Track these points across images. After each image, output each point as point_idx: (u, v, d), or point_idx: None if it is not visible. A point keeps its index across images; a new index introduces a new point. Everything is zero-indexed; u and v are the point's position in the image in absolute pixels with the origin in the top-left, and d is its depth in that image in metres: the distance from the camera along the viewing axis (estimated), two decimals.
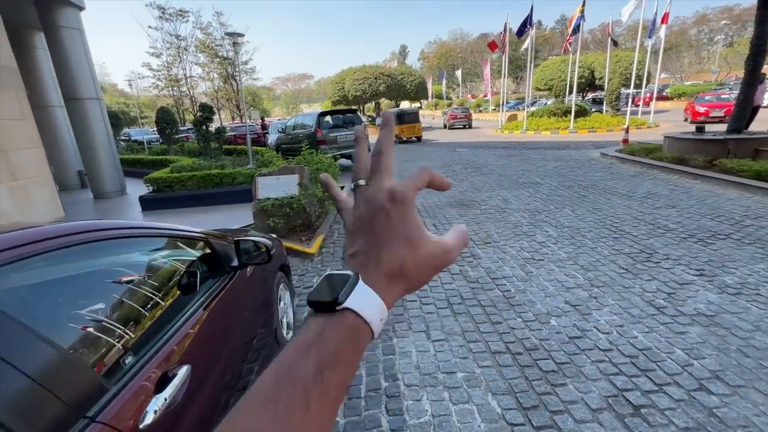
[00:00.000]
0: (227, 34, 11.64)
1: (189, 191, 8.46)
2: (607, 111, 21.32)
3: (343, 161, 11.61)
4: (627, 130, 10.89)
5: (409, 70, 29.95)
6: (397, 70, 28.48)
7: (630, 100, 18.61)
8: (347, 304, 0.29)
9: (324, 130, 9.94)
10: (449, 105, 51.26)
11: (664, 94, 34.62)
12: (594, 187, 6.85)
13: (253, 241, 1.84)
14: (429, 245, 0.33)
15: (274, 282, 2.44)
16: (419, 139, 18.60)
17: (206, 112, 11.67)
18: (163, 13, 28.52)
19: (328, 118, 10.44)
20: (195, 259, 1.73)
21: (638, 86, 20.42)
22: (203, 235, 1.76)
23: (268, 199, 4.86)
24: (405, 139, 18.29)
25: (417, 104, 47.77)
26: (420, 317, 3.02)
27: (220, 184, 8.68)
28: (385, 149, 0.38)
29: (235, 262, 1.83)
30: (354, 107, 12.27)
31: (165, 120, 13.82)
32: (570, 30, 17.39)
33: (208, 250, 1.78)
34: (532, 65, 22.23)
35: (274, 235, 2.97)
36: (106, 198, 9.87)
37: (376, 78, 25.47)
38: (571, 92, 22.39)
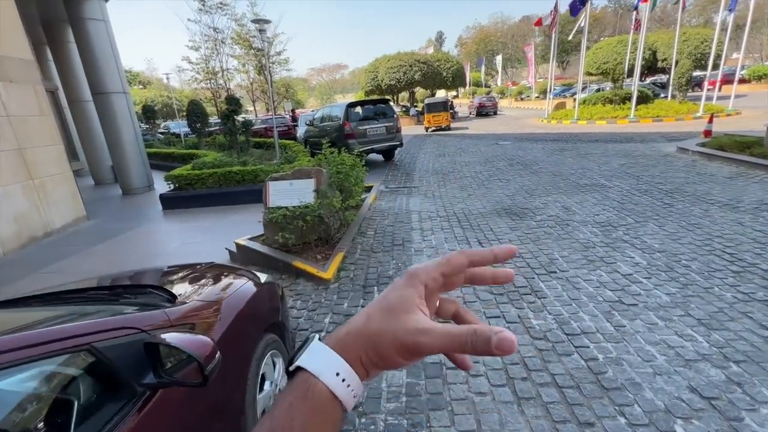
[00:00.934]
0: (253, 21, 11.01)
1: (210, 189, 7.99)
2: (674, 96, 18.75)
3: (374, 156, 10.76)
4: (711, 120, 9.09)
5: (446, 56, 28.28)
6: (433, 57, 26.95)
7: (703, 84, 16.11)
8: (298, 362, 0.30)
9: (353, 123, 9.10)
10: (488, 92, 48.65)
11: (741, 76, 30.43)
12: (680, 193, 5.49)
13: (179, 349, 1.00)
14: (406, 320, 0.31)
15: (251, 359, 1.63)
16: (448, 128, 18.66)
17: (232, 104, 11.22)
18: (203, 5, 28.77)
19: (357, 109, 9.58)
20: (72, 378, 0.94)
21: (706, 67, 17.64)
22: (85, 344, 0.96)
23: (280, 208, 4.10)
24: (434, 128, 18.58)
25: (453, 93, 45.77)
26: (467, 402, 2.10)
27: (241, 182, 8.13)
28: (466, 251, 0.35)
29: (151, 378, 1.02)
30: (386, 97, 11.30)
31: (195, 113, 13.62)
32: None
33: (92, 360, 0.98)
34: (585, 47, 19.97)
35: (263, 277, 2.15)
36: (134, 194, 9.70)
37: (411, 66, 24.19)
38: (629, 76, 19.96)
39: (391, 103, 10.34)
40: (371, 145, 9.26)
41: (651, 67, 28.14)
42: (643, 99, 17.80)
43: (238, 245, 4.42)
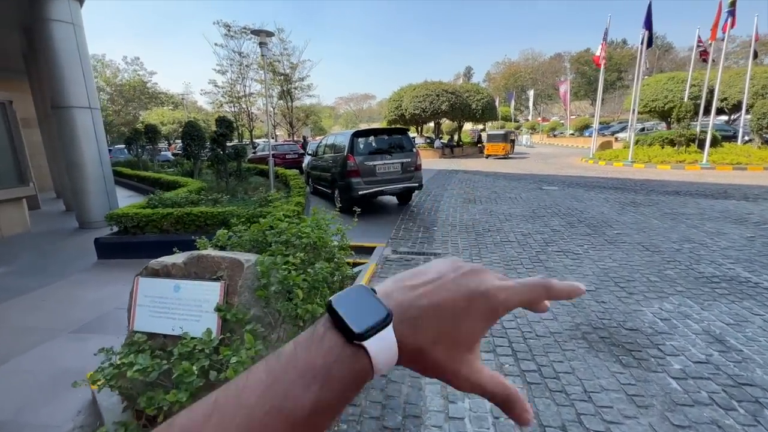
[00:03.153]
0: (253, 32, 9.46)
1: (163, 236, 6.02)
2: (749, 140, 15.93)
3: (386, 197, 8.59)
4: None
5: (477, 87, 26.59)
6: (462, 88, 25.29)
7: None
8: (367, 343, 0.28)
9: (358, 157, 7.03)
10: (518, 127, 46.62)
11: None
12: None
13: None
14: (464, 362, 0.31)
15: None
16: (506, 156, 20.90)
17: (222, 127, 9.49)
18: (229, 30, 28.79)
19: (366, 139, 7.53)
20: None
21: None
22: None
23: (145, 339, 1.90)
24: (494, 156, 21.03)
25: (480, 126, 44.05)
26: None
27: (204, 227, 6.13)
28: (550, 281, 0.34)
29: None
30: (404, 127, 9.33)
31: (191, 135, 12.07)
32: (720, 29, 12.87)
33: None
34: (638, 83, 17.71)
35: None
36: (92, 228, 7.84)
37: (438, 95, 22.51)
38: (694, 116, 17.39)
39: (410, 134, 8.27)
40: (380, 186, 7.12)
41: (707, 107, 25.52)
42: (711, 142, 15.14)
43: None
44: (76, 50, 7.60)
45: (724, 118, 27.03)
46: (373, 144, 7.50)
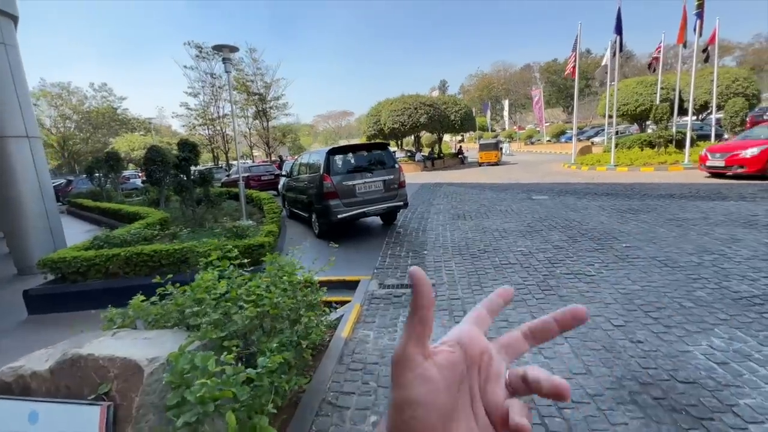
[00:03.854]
0: (214, 47, 8.78)
1: (110, 282, 5.14)
2: (722, 138, 16.16)
3: (369, 219, 7.89)
4: None
5: (454, 99, 26.60)
6: (440, 100, 25.22)
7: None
8: None
9: (336, 177, 6.33)
10: (495, 137, 47.19)
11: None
12: None
13: None
14: None
15: None
16: (497, 163, 22.18)
17: (186, 151, 8.67)
18: (200, 51, 28.07)
19: (343, 157, 6.86)
20: None
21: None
22: None
23: None
24: (486, 163, 22.29)
25: (459, 137, 44.29)
26: None
27: (157, 268, 5.28)
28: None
29: None
30: (385, 141, 8.78)
31: (153, 161, 11.13)
32: (693, 31, 12.99)
33: None
34: (614, 87, 17.94)
35: None
36: (33, 274, 6.82)
37: (416, 108, 22.26)
38: (670, 117, 17.68)
39: (392, 149, 7.68)
40: (362, 207, 6.42)
41: (679, 108, 26.37)
42: (682, 142, 15.26)
43: None
44: (8, 72, 6.71)
45: (691, 118, 27.86)
46: (352, 161, 6.84)
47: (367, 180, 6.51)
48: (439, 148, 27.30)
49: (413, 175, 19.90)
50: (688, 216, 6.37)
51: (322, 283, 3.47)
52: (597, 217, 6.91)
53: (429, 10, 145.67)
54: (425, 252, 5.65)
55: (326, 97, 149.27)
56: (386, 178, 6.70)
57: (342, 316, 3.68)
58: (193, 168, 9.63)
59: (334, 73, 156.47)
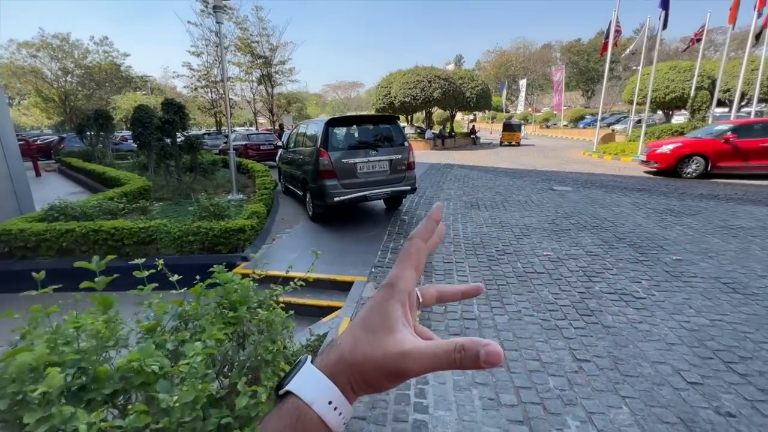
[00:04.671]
0: None
1: (63, 261, 4.40)
2: None
3: (371, 202, 7.02)
4: None
5: (471, 74, 24.92)
6: (456, 74, 23.62)
7: None
8: (288, 387, 0.30)
9: (334, 153, 5.42)
10: (509, 118, 45.26)
11: None
12: None
13: None
14: (389, 342, 0.30)
15: None
16: (518, 144, 22.88)
17: (170, 113, 7.74)
18: (206, 6, 26.30)
19: (345, 130, 5.91)
20: None
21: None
22: None
23: None
24: (508, 143, 23.03)
25: (471, 116, 42.46)
26: None
27: (119, 248, 4.55)
28: (416, 235, 0.37)
29: None
30: (394, 115, 7.78)
31: (142, 122, 10.21)
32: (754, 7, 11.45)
33: None
34: (649, 69, 16.42)
35: None
36: None
37: (429, 81, 20.81)
38: (683, 106, 16.35)
39: (401, 123, 6.71)
40: (363, 189, 5.55)
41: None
42: None
43: None
44: None
45: (724, 110, 26.17)
46: (355, 136, 5.89)
47: (371, 158, 5.60)
48: (451, 126, 25.97)
49: (422, 154, 18.82)
50: (742, 223, 5.45)
51: (307, 284, 2.71)
52: (632, 217, 6.00)
53: None
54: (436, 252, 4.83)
55: (336, 67, 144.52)
56: (393, 157, 5.77)
57: (327, 334, 2.91)
58: (186, 132, 8.74)
59: (346, 43, 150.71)
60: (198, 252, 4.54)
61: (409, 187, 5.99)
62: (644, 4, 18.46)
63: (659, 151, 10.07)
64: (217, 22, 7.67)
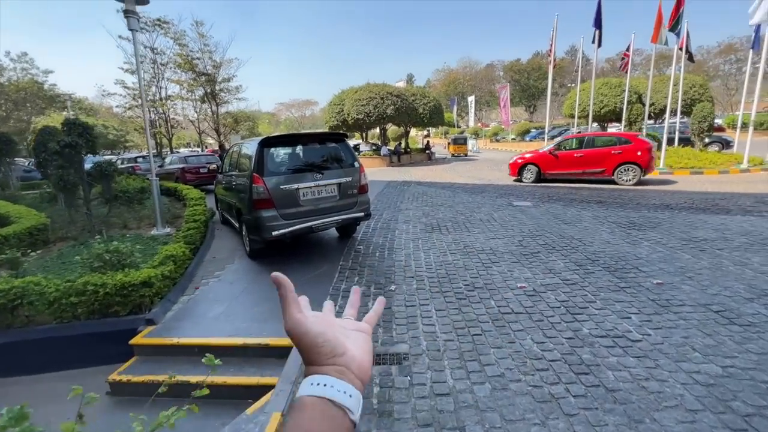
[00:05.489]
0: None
1: None
2: (689, 143, 16.09)
3: (327, 233, 6.16)
4: None
5: (423, 91, 25.19)
6: (408, 91, 23.71)
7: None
8: (305, 392, 0.39)
9: (271, 179, 4.57)
10: (461, 132, 46.68)
11: (718, 125, 29.75)
12: None
13: None
14: (359, 343, 0.47)
15: None
16: (466, 155, 26.21)
17: (74, 134, 6.45)
18: (137, 20, 24.37)
19: (283, 150, 5.08)
20: None
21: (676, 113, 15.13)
22: None
23: None
24: (456, 154, 25.87)
25: (425, 131, 43.25)
26: None
27: None
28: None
29: None
30: (342, 132, 7.03)
31: (45, 146, 8.63)
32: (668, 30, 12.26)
33: None
34: (593, 83, 17.36)
35: None
36: None
37: (382, 98, 20.59)
38: (618, 119, 17.62)
39: (356, 141, 6.02)
40: (308, 219, 4.73)
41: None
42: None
43: None
44: None
45: (668, 120, 28.66)
46: (296, 157, 5.09)
47: (316, 183, 4.82)
48: (406, 142, 25.93)
49: (379, 171, 18.33)
50: (704, 235, 5.34)
51: (231, 351, 1.81)
52: (597, 233, 5.73)
53: (395, 4, 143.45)
54: (393, 287, 4.10)
55: (290, 84, 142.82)
56: (342, 180, 5.04)
57: None
58: (99, 155, 7.37)
59: (298, 61, 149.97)
60: (85, 317, 3.44)
61: (362, 213, 5.25)
62: (576, 26, 19.75)
63: (510, 162, 12.30)
64: (130, 29, 6.64)
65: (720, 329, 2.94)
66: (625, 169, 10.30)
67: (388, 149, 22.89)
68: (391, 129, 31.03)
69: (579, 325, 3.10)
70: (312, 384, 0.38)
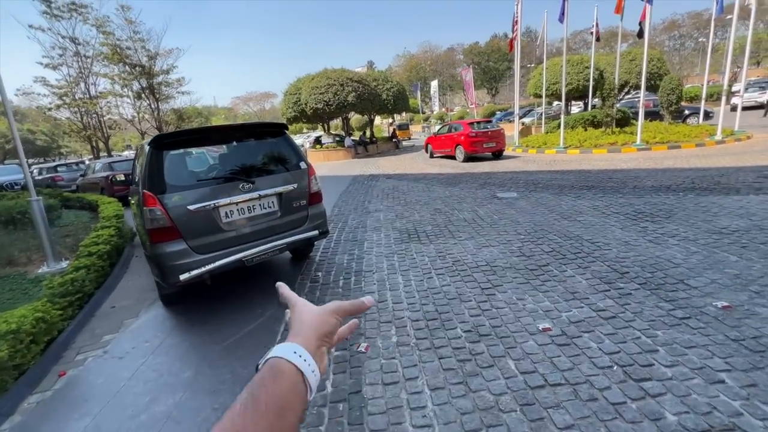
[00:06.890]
0: None
1: None
2: (659, 117, 15.82)
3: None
4: None
5: (385, 75, 23.71)
6: (370, 76, 22.19)
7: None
8: (261, 360, 0.42)
9: (173, 196, 3.12)
10: (426, 119, 45.67)
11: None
12: None
13: None
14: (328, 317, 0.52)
15: None
16: (409, 138, 28.90)
17: None
18: (49, 7, 21.01)
19: (189, 154, 3.58)
20: None
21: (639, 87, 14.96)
22: None
23: None
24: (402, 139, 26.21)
25: (390, 119, 41.85)
26: None
27: None
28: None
29: None
30: (280, 123, 5.59)
31: None
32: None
33: None
34: (564, 60, 16.61)
35: None
36: None
37: (342, 85, 18.94)
38: (582, 97, 17.24)
39: (317, 133, 4.60)
40: (235, 250, 3.33)
41: (596, 87, 27.07)
42: (625, 121, 14.59)
43: None
44: None
45: (643, 95, 28.90)
46: (211, 162, 3.64)
47: (245, 196, 3.41)
48: (371, 131, 24.49)
49: (344, 164, 16.87)
50: (729, 224, 4.47)
51: None
52: (607, 229, 4.73)
53: None
54: (363, 344, 2.82)
55: (246, 79, 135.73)
56: (284, 189, 3.64)
57: None
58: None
59: (253, 54, 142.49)
60: None
61: (315, 232, 3.88)
62: (533, 6, 18.93)
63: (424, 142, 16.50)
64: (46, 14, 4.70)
65: None
66: (459, 150, 13.04)
67: (353, 140, 21.39)
68: (355, 118, 29.42)
69: (657, 408, 1.98)
70: (295, 353, 0.41)
